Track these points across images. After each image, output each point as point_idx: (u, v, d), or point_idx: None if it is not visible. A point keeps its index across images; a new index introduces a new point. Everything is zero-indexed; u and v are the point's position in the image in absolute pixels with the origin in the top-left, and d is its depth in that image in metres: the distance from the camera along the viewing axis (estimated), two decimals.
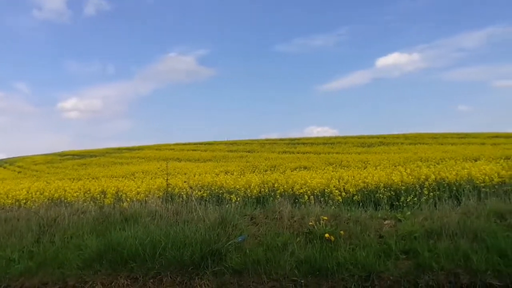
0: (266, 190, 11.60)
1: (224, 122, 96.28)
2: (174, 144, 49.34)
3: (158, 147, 48.00)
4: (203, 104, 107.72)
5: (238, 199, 10.27)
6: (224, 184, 12.72)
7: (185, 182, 11.33)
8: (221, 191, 12.02)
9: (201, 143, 48.33)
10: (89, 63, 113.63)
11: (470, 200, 5.49)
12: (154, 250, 4.47)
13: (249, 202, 10.02)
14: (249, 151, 36.93)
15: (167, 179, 9.86)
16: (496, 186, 8.97)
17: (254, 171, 20.13)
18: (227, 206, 6.30)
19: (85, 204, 8.25)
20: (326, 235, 4.54)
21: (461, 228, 4.43)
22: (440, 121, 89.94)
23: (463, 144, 30.67)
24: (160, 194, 10.41)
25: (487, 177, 9.59)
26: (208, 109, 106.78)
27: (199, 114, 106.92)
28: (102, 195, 12.31)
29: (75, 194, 12.26)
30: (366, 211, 5.71)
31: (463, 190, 9.00)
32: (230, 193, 11.40)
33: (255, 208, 6.18)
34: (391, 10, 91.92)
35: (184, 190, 11.06)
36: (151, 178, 18.36)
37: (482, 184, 9.32)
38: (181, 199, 9.26)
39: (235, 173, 18.20)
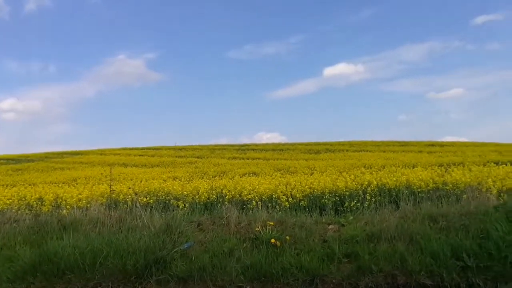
0: (215, 196, 11.54)
1: (174, 127, 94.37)
2: (120, 149, 47.67)
3: (102, 152, 46.14)
4: (151, 108, 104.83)
5: (186, 205, 10.12)
6: (172, 190, 12.49)
7: (130, 188, 10.98)
8: (168, 198, 11.79)
9: (148, 148, 47.12)
10: (29, 63, 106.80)
11: (407, 205, 5.77)
12: (95, 259, 4.29)
13: (197, 208, 9.93)
14: (198, 157, 36.53)
15: (110, 185, 9.51)
16: (431, 191, 9.55)
17: (203, 177, 19.93)
18: (174, 212, 6.19)
19: (19, 212, 7.74)
20: (272, 240, 4.60)
21: (399, 231, 4.66)
22: (382, 130, 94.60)
23: (403, 151, 32.28)
24: (104, 200, 10.02)
25: (423, 183, 10.18)
26: (157, 113, 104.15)
27: (148, 119, 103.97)
28: (39, 203, 11.62)
29: (8, 202, 11.46)
30: (311, 216, 5.85)
31: (402, 195, 9.49)
32: (178, 199, 11.21)
33: (203, 215, 6.13)
34: (338, 22, 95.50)
35: (129, 196, 10.73)
36: (94, 184, 17.60)
37: (419, 190, 9.89)
38: (126, 206, 8.97)
39: (183, 179, 17.94)
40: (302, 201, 10.47)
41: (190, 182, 15.45)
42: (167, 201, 11.37)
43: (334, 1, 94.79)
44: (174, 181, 16.33)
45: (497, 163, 17.07)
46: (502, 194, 8.56)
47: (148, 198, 11.40)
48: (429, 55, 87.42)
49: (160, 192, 12.33)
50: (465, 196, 6.84)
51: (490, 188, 8.71)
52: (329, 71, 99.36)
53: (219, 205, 9.91)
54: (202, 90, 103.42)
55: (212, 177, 19.57)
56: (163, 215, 5.80)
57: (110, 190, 9.36)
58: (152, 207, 9.04)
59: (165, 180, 17.13)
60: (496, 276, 3.99)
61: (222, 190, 11.73)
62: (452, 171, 12.07)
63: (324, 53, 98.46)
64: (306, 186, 11.19)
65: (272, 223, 5.08)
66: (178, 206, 9.78)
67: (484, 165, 15.72)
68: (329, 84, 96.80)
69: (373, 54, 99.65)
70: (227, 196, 11.06)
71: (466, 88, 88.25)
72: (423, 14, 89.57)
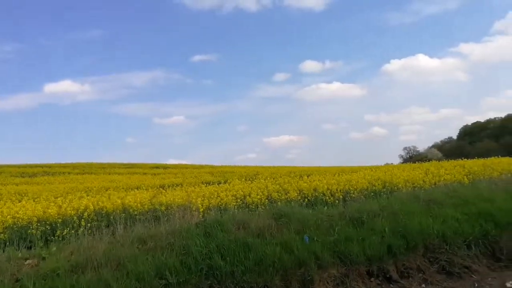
0: None
1: None
2: None
3: None
4: None
5: None
6: None
7: None
8: None
9: None
10: None
11: (119, 228, 5.70)
12: None
13: None
14: None
15: None
16: (148, 213, 9.82)
17: None
18: None
19: None
20: None
21: (106, 257, 4.50)
22: (110, 152, 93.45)
23: (129, 173, 32.46)
24: None
25: (139, 205, 10.36)
26: None
27: None
28: None
29: None
30: (4, 252, 4.95)
31: (119, 219, 9.35)
32: None
33: None
34: (62, 38, 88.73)
35: None
36: None
37: (136, 212, 10.00)
38: None
39: None
40: (2, 234, 8.81)
41: None
42: None
43: (57, 16, 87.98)
44: None
45: (209, 183, 19.50)
46: (208, 211, 9.69)
47: None
48: (154, 83, 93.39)
49: None
50: (177, 215, 7.35)
51: (198, 206, 9.68)
52: (51, 87, 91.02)
53: None
54: None
55: None
56: None
57: None
58: None
59: None
60: None
61: None
62: (169, 192, 12.88)
63: (45, 67, 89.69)
64: (9, 216, 9.50)
65: None
66: None
67: (199, 186, 17.61)
68: (52, 101, 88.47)
69: (100, 75, 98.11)
70: None
71: (185, 116, 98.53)
72: (148, 44, 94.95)
